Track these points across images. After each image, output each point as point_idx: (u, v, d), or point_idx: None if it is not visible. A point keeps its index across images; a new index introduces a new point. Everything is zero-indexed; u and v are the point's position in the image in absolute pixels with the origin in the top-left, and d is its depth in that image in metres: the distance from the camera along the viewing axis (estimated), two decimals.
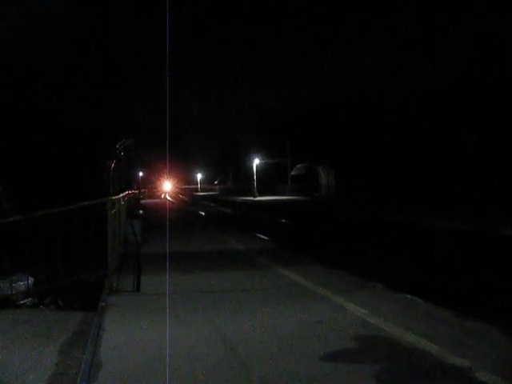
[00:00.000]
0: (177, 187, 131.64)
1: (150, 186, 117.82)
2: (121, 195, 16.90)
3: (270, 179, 78.62)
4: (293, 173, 72.28)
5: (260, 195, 67.42)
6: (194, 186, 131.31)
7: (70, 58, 38.67)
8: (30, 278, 8.88)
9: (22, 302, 8.58)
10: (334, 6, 39.27)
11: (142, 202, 46.52)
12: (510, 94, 27.34)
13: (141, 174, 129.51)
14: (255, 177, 70.41)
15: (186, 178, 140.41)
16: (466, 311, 7.51)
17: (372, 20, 37.46)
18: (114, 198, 12.24)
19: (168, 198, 75.80)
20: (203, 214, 39.24)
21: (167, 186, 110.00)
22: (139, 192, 70.71)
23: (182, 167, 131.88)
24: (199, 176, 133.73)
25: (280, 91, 56.54)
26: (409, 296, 8.68)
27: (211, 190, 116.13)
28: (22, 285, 8.76)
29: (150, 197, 75.24)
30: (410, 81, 35.21)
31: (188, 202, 66.25)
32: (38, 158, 36.05)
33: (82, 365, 5.59)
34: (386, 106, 39.85)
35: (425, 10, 32.65)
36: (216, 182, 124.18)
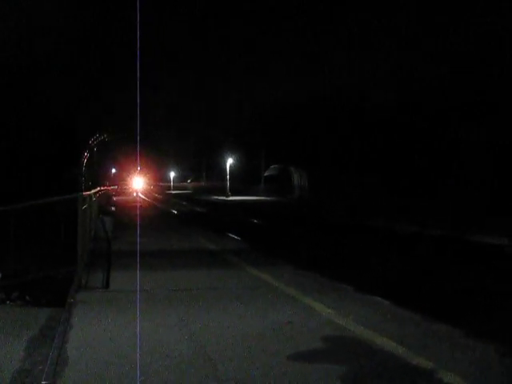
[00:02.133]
0: (149, 185, 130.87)
1: (121, 182, 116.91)
2: (92, 191, 16.78)
3: (243, 179, 78.69)
4: (266, 173, 72.45)
5: (233, 195, 67.42)
6: (166, 184, 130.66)
7: (43, 49, 38.26)
8: None
9: None
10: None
11: (114, 198, 46.16)
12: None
13: (113, 170, 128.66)
14: (228, 176, 70.40)
15: (158, 176, 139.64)
16: (433, 314, 7.61)
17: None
18: (85, 193, 12.15)
19: (140, 195, 75.35)
20: (175, 212, 39.11)
21: (139, 184, 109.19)
22: (111, 188, 70.14)
23: (155, 165, 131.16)
24: (172, 174, 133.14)
25: (258, 92, 56.59)
26: (377, 298, 8.76)
27: (184, 189, 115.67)
28: None
29: (122, 194, 74.71)
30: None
31: (160, 199, 65.93)
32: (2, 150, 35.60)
33: (48, 361, 5.55)
34: (375, 104, 40.05)
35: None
36: (189, 181, 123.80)
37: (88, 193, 13.98)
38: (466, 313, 9.19)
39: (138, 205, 42.92)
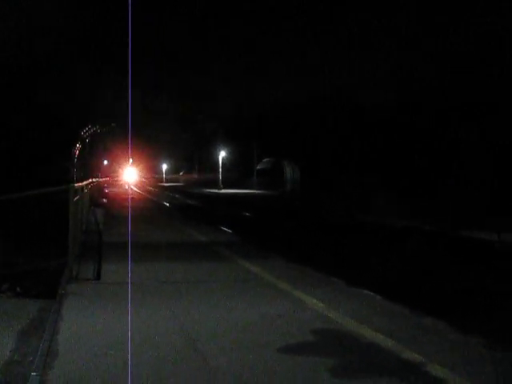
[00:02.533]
0: (141, 177, 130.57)
1: (113, 174, 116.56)
2: (84, 183, 16.74)
3: (235, 172, 78.65)
4: (259, 167, 72.45)
5: (225, 188, 67.43)
6: (159, 176, 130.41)
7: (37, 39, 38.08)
8: None
9: None
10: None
11: (106, 190, 46.05)
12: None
13: (105, 162, 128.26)
14: (221, 169, 70.38)
15: (151, 168, 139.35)
16: (423, 308, 7.65)
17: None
18: (76, 185, 12.12)
19: (132, 187, 75.20)
20: (167, 204, 39.06)
21: (131, 176, 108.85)
22: (103, 180, 69.95)
23: (147, 157, 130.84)
24: (164, 166, 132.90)
25: (253, 86, 56.54)
26: (368, 292, 8.80)
27: (176, 181, 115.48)
28: None
29: (113, 186, 74.53)
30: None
31: (152, 192, 65.83)
32: None
33: (38, 353, 5.54)
34: (365, 100, 40.07)
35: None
36: (181, 173, 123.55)
37: (79, 184, 13.94)
38: (456, 307, 9.26)
39: (130, 197, 42.81)
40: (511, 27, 27.25)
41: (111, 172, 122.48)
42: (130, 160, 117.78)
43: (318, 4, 41.96)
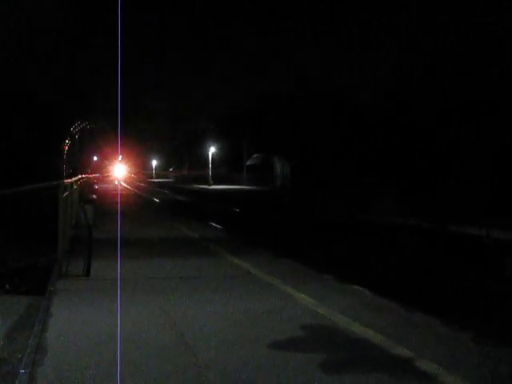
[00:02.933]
0: (131, 173, 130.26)
1: (103, 170, 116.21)
2: (73, 179, 16.67)
3: (225, 168, 78.61)
4: (248, 163, 72.42)
5: (215, 183, 67.42)
6: (149, 173, 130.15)
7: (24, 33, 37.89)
8: None
9: None
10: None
11: (95, 187, 45.89)
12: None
13: (95, 158, 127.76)
14: (211, 165, 70.33)
15: (141, 165, 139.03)
16: (413, 304, 7.68)
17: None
18: (66, 181, 12.06)
19: (121, 183, 75.01)
20: (157, 200, 38.99)
21: (120, 172, 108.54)
22: (92, 177, 69.71)
23: (137, 153, 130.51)
24: (154, 163, 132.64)
25: (246, 83, 56.53)
26: (358, 287, 8.82)
27: (166, 177, 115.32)
28: None
29: (103, 182, 74.29)
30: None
31: (142, 188, 65.70)
32: None
33: (27, 350, 5.52)
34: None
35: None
36: (171, 169, 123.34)
37: (69, 180, 13.88)
38: (449, 305, 9.31)
39: (120, 193, 42.73)
40: (511, 27, 27.29)
41: (101, 168, 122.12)
42: (120, 156, 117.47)
43: (317, 4, 41.99)
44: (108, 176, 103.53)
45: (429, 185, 31.48)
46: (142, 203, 32.98)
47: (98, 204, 25.09)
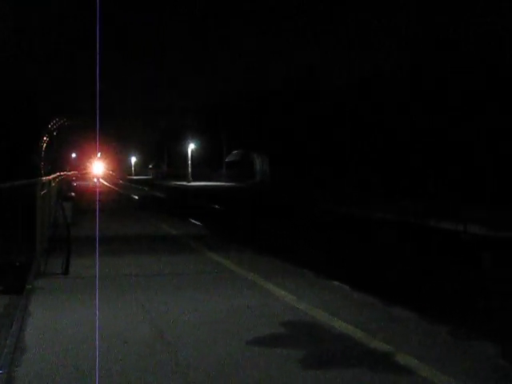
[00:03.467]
0: (110, 170, 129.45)
1: (81, 167, 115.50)
2: (51, 176, 16.53)
3: (204, 165, 78.45)
4: (228, 159, 72.36)
5: (194, 180, 67.27)
6: (128, 170, 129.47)
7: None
8: None
9: None
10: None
11: (74, 184, 45.56)
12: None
13: (74, 155, 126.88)
14: (190, 162, 70.15)
15: (120, 162, 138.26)
16: (393, 299, 7.73)
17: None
18: (44, 179, 11.96)
19: (100, 180, 74.55)
20: (136, 197, 38.82)
21: (99, 169, 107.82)
22: (71, 174, 69.18)
23: (116, 151, 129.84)
24: (133, 160, 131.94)
25: (223, 78, 56.55)
26: (337, 283, 8.86)
27: (145, 174, 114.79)
28: None
29: (82, 179, 73.78)
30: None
31: (121, 185, 65.34)
32: None
33: (5, 349, 5.46)
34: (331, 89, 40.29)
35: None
36: (150, 166, 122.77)
37: (47, 178, 13.76)
38: (428, 299, 9.39)
39: (99, 190, 42.46)
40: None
41: (79, 165, 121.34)
42: (99, 154, 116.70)
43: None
44: (86, 173, 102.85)
45: (411, 179, 31.76)
46: (120, 200, 32.80)
47: (77, 201, 24.91)
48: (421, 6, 33.47)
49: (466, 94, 29.53)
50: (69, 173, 62.75)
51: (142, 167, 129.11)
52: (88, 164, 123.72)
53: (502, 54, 28.86)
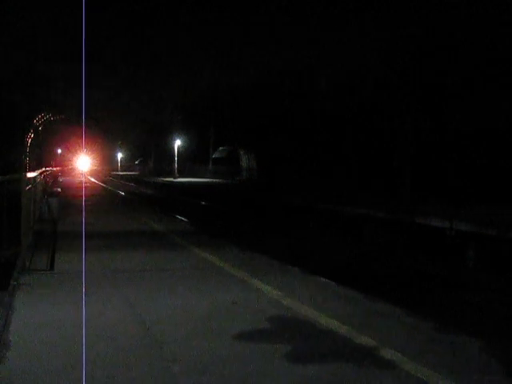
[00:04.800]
0: (96, 166, 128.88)
1: (67, 163, 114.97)
2: (37, 172, 16.46)
3: (191, 161, 78.31)
4: (215, 155, 72.26)
5: (181, 176, 67.13)
6: (114, 166, 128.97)
7: None
8: None
9: None
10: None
11: (59, 180, 45.35)
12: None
13: (59, 151, 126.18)
14: (176, 158, 70.00)
15: (106, 158, 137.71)
16: (377, 294, 7.78)
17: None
18: (29, 174, 11.91)
19: (86, 176, 74.24)
20: (122, 193, 38.70)
21: (85, 165, 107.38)
22: (57, 170, 68.86)
23: (102, 146, 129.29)
24: (120, 155, 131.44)
25: (212, 74, 56.38)
26: (323, 279, 8.89)
27: (132, 170, 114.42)
28: None
29: (68, 175, 73.47)
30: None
31: (107, 181, 65.10)
32: None
33: None
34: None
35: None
36: (137, 162, 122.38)
37: (32, 174, 13.70)
38: (411, 294, 9.47)
39: (84, 186, 42.24)
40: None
41: (65, 161, 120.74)
42: (85, 149, 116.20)
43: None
44: (72, 169, 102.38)
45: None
46: (107, 196, 32.68)
47: (63, 197, 24.81)
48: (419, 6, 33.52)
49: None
50: (54, 168, 62.48)
51: (128, 163, 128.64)
52: (74, 160, 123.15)
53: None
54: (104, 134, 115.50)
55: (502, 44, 27.32)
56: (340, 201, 24.91)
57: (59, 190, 22.81)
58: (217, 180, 61.47)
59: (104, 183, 56.83)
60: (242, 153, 65.08)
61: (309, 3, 39.94)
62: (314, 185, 36.23)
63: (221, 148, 70.93)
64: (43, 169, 26.65)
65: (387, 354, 5.32)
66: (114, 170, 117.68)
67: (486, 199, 20.88)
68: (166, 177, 69.52)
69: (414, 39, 32.46)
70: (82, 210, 18.98)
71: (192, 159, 78.65)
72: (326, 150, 41.37)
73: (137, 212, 20.94)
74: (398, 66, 33.44)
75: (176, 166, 69.55)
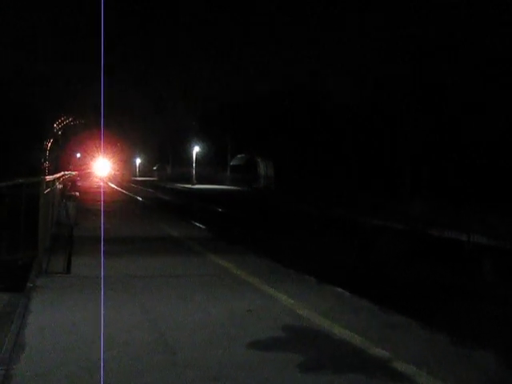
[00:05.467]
0: (115, 171, 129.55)
1: (85, 167, 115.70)
2: (56, 175, 16.57)
3: (209, 168, 78.47)
4: (232, 163, 72.34)
5: (199, 183, 67.26)
6: (132, 171, 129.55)
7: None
8: None
9: None
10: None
11: (78, 184, 45.63)
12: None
13: (78, 155, 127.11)
14: (194, 164, 70.19)
15: (124, 163, 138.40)
16: (392, 305, 7.72)
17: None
18: (48, 177, 11.99)
19: (104, 181, 74.65)
20: (140, 199, 38.84)
21: (103, 170, 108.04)
22: (75, 174, 69.31)
23: (121, 151, 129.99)
24: (138, 161, 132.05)
25: (230, 81, 56.56)
26: (339, 289, 8.85)
27: (150, 176, 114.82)
28: None
29: (86, 179, 73.89)
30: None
31: (125, 186, 65.40)
32: None
33: (4, 347, 5.47)
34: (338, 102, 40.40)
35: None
36: (155, 168, 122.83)
37: (51, 177, 13.79)
38: (425, 305, 9.39)
39: (103, 190, 42.48)
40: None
41: (84, 165, 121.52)
42: (103, 154, 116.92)
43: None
44: (91, 173, 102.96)
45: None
46: (125, 201, 32.81)
47: (81, 201, 24.94)
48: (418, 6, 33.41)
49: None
50: (73, 172, 62.89)
51: (146, 168, 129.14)
52: (92, 164, 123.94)
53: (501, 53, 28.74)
54: (123, 139, 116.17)
55: (502, 44, 27.16)
56: (355, 209, 24.87)
57: (77, 193, 22.94)
58: (234, 187, 61.53)
59: (122, 188, 57.09)
60: (259, 160, 65.09)
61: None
62: (335, 192, 36.14)
63: (239, 155, 71.00)
64: (62, 172, 26.80)
65: (401, 366, 5.28)
66: (132, 175, 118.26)
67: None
68: (183, 183, 69.69)
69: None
70: (99, 215, 19.08)
71: (210, 166, 78.83)
72: (347, 158, 41.30)
73: (154, 218, 21.00)
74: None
75: (194, 172, 69.73)
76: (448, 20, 30.10)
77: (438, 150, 30.64)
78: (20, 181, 9.66)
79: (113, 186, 63.02)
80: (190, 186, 64.18)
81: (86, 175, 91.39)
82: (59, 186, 18.29)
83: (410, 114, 32.18)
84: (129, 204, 30.46)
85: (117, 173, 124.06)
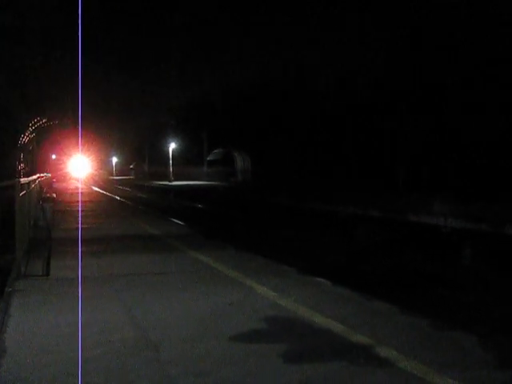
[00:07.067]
0: (91, 171, 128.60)
1: (61, 167, 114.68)
2: (31, 178, 16.42)
3: (186, 164, 78.22)
4: (209, 158, 72.22)
5: (176, 180, 67.05)
6: (109, 170, 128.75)
7: None
8: None
9: None
10: None
11: (54, 185, 45.23)
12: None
13: (53, 156, 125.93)
14: (171, 161, 69.95)
15: (101, 162, 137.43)
16: (374, 293, 7.79)
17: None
18: (23, 180, 11.88)
19: (81, 181, 74.09)
20: (118, 198, 38.61)
21: (80, 170, 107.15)
22: (52, 175, 68.66)
23: (97, 151, 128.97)
24: (114, 160, 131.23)
25: (206, 76, 56.42)
26: (319, 279, 8.90)
27: (127, 174, 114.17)
28: None
29: (63, 180, 73.27)
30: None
31: (102, 186, 64.95)
32: None
33: None
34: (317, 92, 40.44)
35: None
36: (132, 166, 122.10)
37: (26, 179, 13.66)
38: (408, 293, 9.48)
39: (80, 191, 42.19)
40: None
41: (60, 166, 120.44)
42: (79, 154, 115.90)
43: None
44: (67, 174, 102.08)
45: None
46: (102, 201, 32.58)
47: (58, 202, 24.77)
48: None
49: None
50: (49, 174, 62.30)
51: (123, 167, 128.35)
52: (69, 165, 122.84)
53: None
54: (99, 138, 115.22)
55: (502, 44, 27.38)
56: (332, 200, 24.99)
57: (54, 195, 22.79)
58: (212, 182, 61.42)
59: (99, 187, 56.70)
60: (236, 154, 65.09)
61: (309, 3, 39.96)
62: (312, 185, 36.24)
63: (216, 150, 70.88)
64: (38, 174, 26.55)
65: (383, 351, 5.34)
66: (109, 174, 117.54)
67: (485, 199, 20.96)
68: (161, 180, 69.39)
69: (413, 39, 32.59)
70: (77, 216, 18.96)
71: (187, 162, 78.56)
72: (325, 150, 41.44)
73: (132, 216, 20.91)
74: (398, 66, 33.53)
75: (171, 169, 69.49)
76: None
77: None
78: None
79: (90, 185, 62.57)
80: (167, 182, 63.94)
81: (63, 176, 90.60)
82: (36, 189, 18.13)
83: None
84: (106, 204, 30.26)
85: (95, 172, 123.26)
